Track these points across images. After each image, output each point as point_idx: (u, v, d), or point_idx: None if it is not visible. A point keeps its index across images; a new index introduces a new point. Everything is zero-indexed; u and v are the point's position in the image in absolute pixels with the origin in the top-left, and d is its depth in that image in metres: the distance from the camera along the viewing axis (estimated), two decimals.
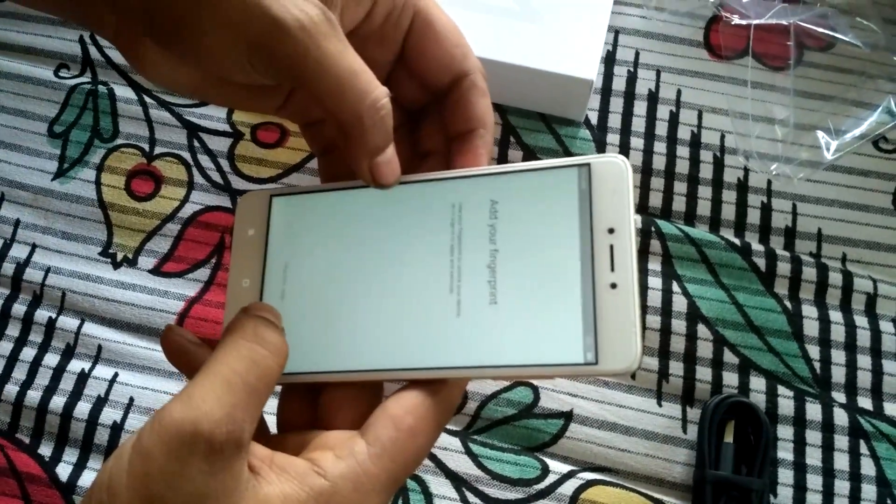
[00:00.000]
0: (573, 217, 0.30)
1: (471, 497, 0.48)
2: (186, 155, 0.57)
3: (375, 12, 0.33)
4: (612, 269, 0.29)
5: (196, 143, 0.57)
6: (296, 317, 0.33)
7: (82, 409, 0.50)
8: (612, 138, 0.57)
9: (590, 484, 0.48)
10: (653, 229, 0.53)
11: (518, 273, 0.30)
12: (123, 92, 0.58)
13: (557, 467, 0.49)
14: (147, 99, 0.58)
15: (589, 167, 0.31)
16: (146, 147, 0.57)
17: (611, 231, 0.30)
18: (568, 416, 0.50)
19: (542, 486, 0.48)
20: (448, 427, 0.50)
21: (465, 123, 0.34)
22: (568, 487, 0.48)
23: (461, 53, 0.34)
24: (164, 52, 0.30)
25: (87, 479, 0.48)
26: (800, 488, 0.48)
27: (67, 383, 0.51)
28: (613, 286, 0.29)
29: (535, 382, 0.50)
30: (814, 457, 0.49)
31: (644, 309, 0.52)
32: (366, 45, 0.32)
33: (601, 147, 0.56)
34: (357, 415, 0.31)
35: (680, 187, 0.55)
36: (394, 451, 0.29)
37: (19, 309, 0.53)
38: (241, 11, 0.28)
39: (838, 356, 0.51)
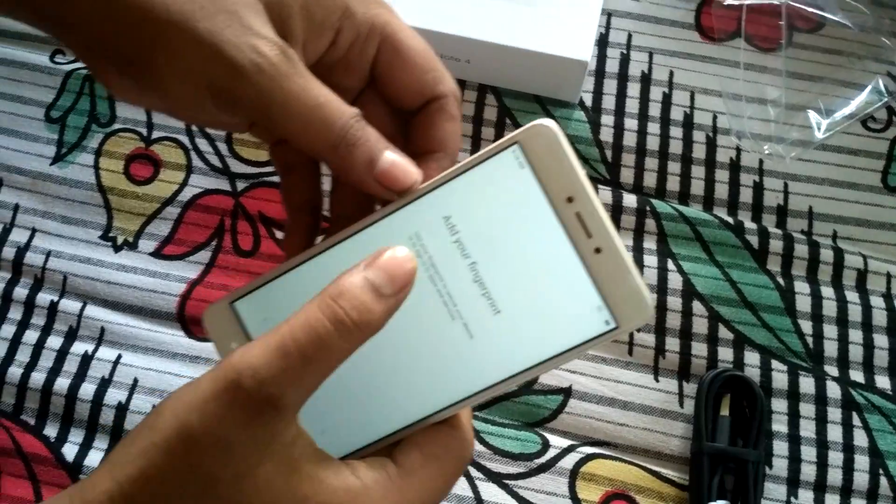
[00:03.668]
0: (528, 199, 0.29)
1: (473, 471, 0.49)
2: (184, 139, 0.57)
3: (339, 42, 0.32)
4: (590, 236, 0.29)
5: (194, 128, 0.57)
6: (312, 409, 0.29)
7: (87, 390, 0.50)
8: (607, 119, 0.57)
9: (589, 458, 0.49)
10: (648, 208, 0.54)
11: (506, 275, 0.30)
12: None
13: (557, 442, 0.50)
14: None
15: (519, 143, 0.29)
16: (144, 131, 0.57)
17: (570, 200, 0.29)
18: (567, 392, 0.51)
19: (542, 460, 0.49)
20: None
21: (426, 145, 0.33)
22: (568, 461, 0.49)
23: (432, 79, 0.32)
24: (131, 80, 0.30)
25: (93, 458, 0.49)
26: (794, 459, 0.49)
27: (71, 365, 0.51)
28: (598, 251, 0.29)
29: None
30: (807, 429, 0.50)
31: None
32: (332, 73, 0.32)
33: (596, 128, 0.57)
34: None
35: (674, 167, 0.56)
36: (422, 474, 0.29)
37: (21, 292, 0.53)
38: (197, 56, 0.28)
39: (830, 331, 0.52)
